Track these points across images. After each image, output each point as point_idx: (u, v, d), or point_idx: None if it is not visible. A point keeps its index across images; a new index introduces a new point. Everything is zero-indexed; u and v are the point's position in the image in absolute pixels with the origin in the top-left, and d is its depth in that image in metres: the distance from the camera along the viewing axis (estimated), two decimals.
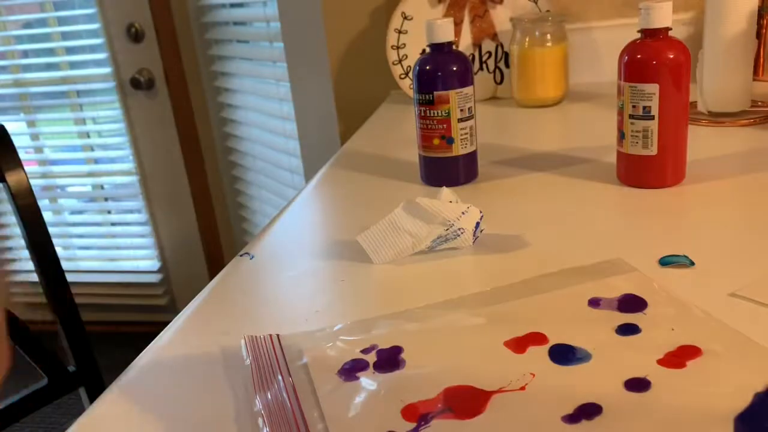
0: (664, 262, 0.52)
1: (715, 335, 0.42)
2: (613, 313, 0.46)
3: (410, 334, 0.45)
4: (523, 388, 0.38)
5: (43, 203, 2.14)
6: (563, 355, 0.41)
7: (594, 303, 0.47)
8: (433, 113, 0.73)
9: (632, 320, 0.44)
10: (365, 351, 0.43)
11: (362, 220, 0.63)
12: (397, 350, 0.43)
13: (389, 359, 0.42)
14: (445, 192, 0.63)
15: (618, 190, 0.70)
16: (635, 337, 0.42)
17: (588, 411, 0.36)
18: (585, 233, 0.61)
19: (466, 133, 0.74)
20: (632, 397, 0.37)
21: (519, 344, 0.43)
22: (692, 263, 0.52)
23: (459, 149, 0.74)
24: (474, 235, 0.59)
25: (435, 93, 0.72)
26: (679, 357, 0.40)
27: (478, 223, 0.59)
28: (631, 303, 0.46)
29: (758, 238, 0.56)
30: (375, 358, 0.43)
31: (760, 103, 0.92)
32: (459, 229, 0.58)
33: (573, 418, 0.35)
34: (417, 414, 0.37)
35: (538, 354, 0.41)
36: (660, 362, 0.39)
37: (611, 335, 0.43)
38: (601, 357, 0.41)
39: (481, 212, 0.59)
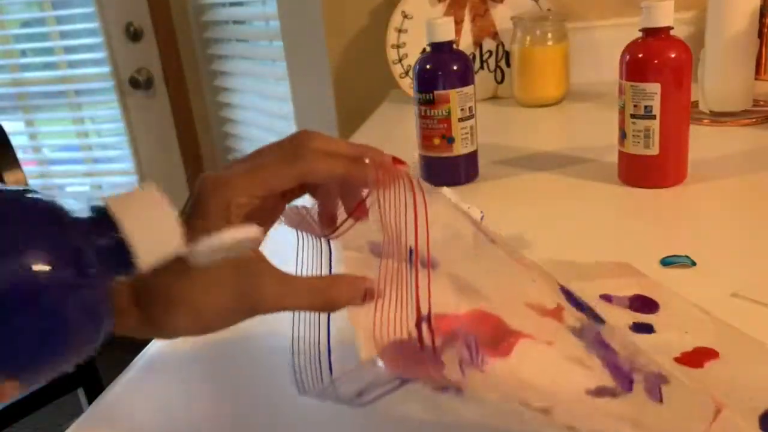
0: (666, 262, 0.52)
1: (731, 340, 0.41)
2: (625, 310, 0.45)
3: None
4: (551, 343, 0.36)
5: None
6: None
7: (606, 298, 0.47)
8: (434, 113, 0.72)
9: (646, 320, 0.44)
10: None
11: None
12: None
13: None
14: (446, 192, 0.62)
15: (619, 189, 0.69)
16: (650, 336, 0.42)
17: (610, 391, 0.35)
18: (586, 233, 0.60)
19: (466, 133, 0.74)
20: None
21: (539, 310, 0.41)
22: (694, 263, 0.52)
23: (459, 149, 0.74)
24: None
25: (435, 92, 0.72)
26: (696, 357, 0.39)
27: None
28: (643, 303, 0.46)
29: (760, 238, 0.56)
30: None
31: (762, 103, 0.92)
32: None
33: (597, 393, 0.34)
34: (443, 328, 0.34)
35: (560, 326, 0.40)
36: (677, 360, 0.39)
37: (626, 331, 0.42)
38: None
39: (481, 212, 0.59)
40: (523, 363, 0.33)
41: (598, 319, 0.35)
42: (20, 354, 0.23)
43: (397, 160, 0.35)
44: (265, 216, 0.36)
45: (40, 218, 0.24)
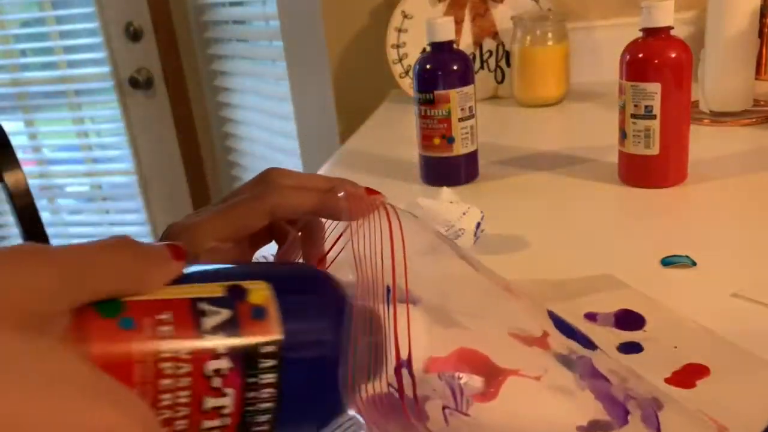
0: (666, 262, 0.52)
1: (720, 352, 0.40)
2: (611, 330, 0.44)
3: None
4: (539, 378, 0.35)
5: (41, 203, 2.13)
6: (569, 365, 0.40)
7: (590, 317, 0.46)
8: (434, 112, 0.72)
9: (633, 338, 0.43)
10: None
11: None
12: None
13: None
14: (446, 192, 0.62)
15: (619, 189, 0.69)
16: (638, 356, 0.41)
17: (603, 425, 0.34)
18: (586, 234, 0.60)
19: (466, 133, 0.74)
20: None
21: (525, 340, 0.41)
22: (694, 263, 0.51)
23: (459, 149, 0.74)
24: (475, 236, 0.58)
25: (435, 92, 0.72)
26: (687, 376, 0.38)
27: (478, 224, 0.58)
28: (629, 320, 0.45)
29: (761, 238, 0.56)
30: None
31: (762, 103, 0.92)
32: (459, 229, 0.57)
33: (589, 429, 0.34)
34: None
35: (547, 355, 0.40)
36: (668, 381, 0.38)
37: (614, 353, 0.41)
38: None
39: (481, 213, 0.59)
40: (511, 404, 0.32)
41: (590, 345, 0.34)
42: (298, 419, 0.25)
43: (371, 191, 0.34)
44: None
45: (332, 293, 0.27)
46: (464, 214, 0.58)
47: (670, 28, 0.65)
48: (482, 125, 0.78)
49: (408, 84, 1.18)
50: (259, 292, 0.24)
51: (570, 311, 0.46)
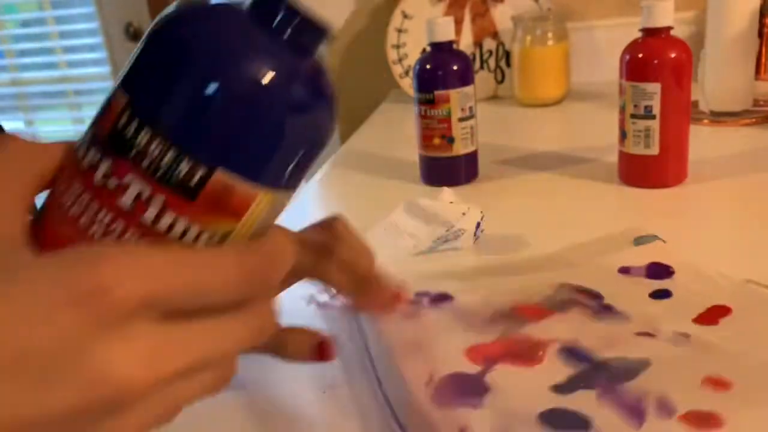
0: (637, 243, 0.53)
1: (743, 295, 0.44)
2: (643, 280, 0.48)
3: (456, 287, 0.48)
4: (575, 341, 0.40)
5: (41, 202, 2.13)
6: (606, 312, 0.44)
7: (624, 271, 0.49)
8: (434, 112, 0.72)
9: (663, 286, 0.47)
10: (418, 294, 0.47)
11: (362, 221, 0.62)
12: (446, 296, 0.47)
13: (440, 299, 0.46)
14: (446, 192, 0.62)
15: (619, 189, 0.69)
16: (669, 301, 0.45)
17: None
18: (586, 233, 0.60)
19: (466, 133, 0.74)
20: (676, 350, 0.39)
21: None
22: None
23: (460, 149, 0.74)
24: (475, 236, 0.58)
25: (435, 92, 0.72)
26: (711, 316, 0.42)
27: (478, 224, 0.58)
28: (659, 270, 0.49)
29: (761, 239, 0.56)
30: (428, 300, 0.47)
31: (762, 103, 0.92)
32: (459, 229, 0.57)
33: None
34: (480, 357, 0.39)
35: (583, 312, 0.44)
36: (695, 321, 0.42)
37: (647, 300, 0.45)
38: (640, 317, 0.43)
39: (481, 213, 0.59)
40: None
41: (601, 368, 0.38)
42: None
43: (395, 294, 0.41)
44: None
45: None
46: (464, 214, 0.58)
47: (670, 28, 0.65)
48: (482, 125, 0.78)
49: (408, 84, 1.18)
50: None
51: (605, 266, 0.51)
